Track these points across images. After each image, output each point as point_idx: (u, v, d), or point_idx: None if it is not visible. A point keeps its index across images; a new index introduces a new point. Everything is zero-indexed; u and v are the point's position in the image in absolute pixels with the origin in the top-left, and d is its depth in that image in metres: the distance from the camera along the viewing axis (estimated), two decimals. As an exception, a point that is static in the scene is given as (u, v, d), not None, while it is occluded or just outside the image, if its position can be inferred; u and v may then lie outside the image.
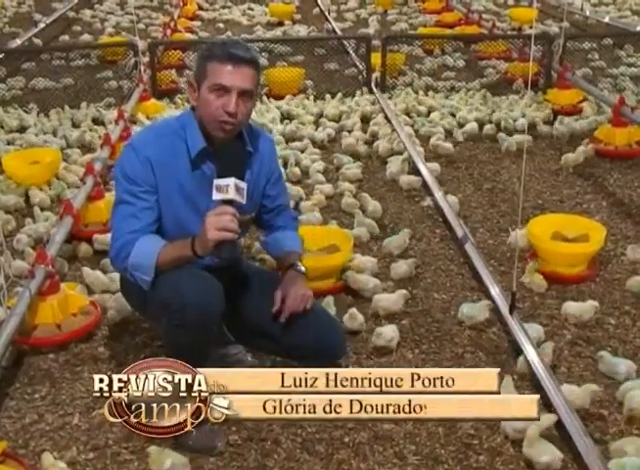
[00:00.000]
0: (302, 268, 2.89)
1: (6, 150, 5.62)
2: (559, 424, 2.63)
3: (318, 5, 11.40)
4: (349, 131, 5.83)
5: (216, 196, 2.43)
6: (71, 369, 3.17)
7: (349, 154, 5.44)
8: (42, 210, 4.64)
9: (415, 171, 5.03)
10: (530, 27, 9.24)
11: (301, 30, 9.54)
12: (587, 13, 10.27)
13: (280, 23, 10.08)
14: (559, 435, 2.65)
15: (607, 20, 9.89)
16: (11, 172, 5.10)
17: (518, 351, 3.11)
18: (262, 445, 2.71)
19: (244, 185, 2.46)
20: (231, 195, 2.42)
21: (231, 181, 2.42)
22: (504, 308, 3.33)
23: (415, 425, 2.78)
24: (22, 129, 6.16)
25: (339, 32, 9.32)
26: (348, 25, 10.07)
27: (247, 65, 2.56)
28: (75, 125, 6.18)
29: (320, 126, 5.93)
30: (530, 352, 3.00)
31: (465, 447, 2.68)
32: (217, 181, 2.44)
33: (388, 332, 3.21)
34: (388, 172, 5.07)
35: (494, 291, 3.53)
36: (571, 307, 3.48)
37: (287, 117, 6.20)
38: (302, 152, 5.44)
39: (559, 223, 4.07)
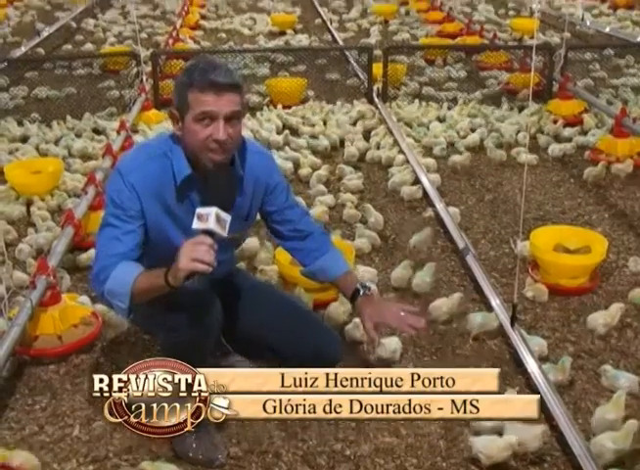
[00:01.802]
0: (371, 287, 2.79)
1: (8, 159, 5.62)
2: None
3: (320, 15, 11.44)
4: (351, 141, 5.83)
5: (196, 224, 2.32)
6: (72, 381, 3.16)
7: (351, 164, 5.44)
8: (44, 220, 4.64)
9: (416, 182, 5.04)
10: (531, 38, 9.26)
11: (303, 40, 9.55)
12: (588, 23, 10.30)
13: (282, 33, 10.09)
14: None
15: (607, 30, 9.92)
16: (13, 182, 5.10)
17: (519, 363, 3.11)
18: (263, 457, 2.70)
19: (226, 217, 2.34)
20: (211, 225, 2.30)
21: (212, 211, 2.31)
22: (506, 321, 3.33)
23: (416, 438, 2.77)
24: (25, 139, 6.15)
25: (340, 42, 9.34)
26: (350, 36, 10.08)
27: (230, 90, 2.45)
28: (78, 135, 6.18)
29: (321, 136, 5.93)
30: (532, 366, 3.00)
31: (467, 461, 2.67)
32: (199, 210, 2.34)
33: (392, 343, 3.20)
34: (389, 183, 5.07)
35: (495, 303, 3.53)
36: (597, 316, 3.49)
37: (288, 126, 6.20)
38: (303, 161, 5.44)
39: (561, 235, 4.07)
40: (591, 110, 6.45)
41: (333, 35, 9.86)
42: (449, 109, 6.60)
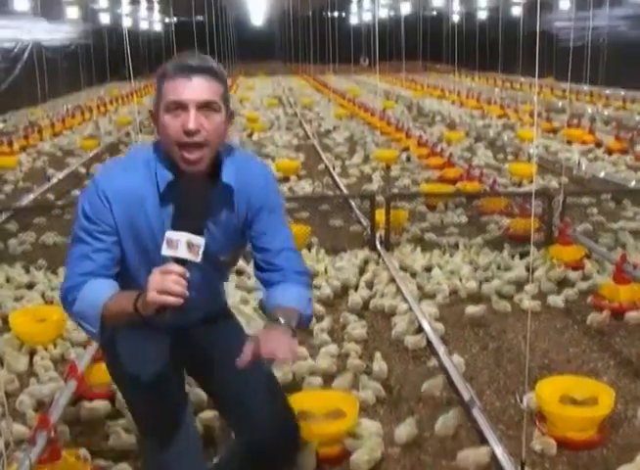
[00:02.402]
0: (290, 323, 2.28)
1: (13, 307, 5.66)
2: None
3: (323, 160, 11.77)
4: (355, 289, 5.88)
5: (165, 251, 2.12)
6: None
7: (355, 312, 5.47)
8: (46, 370, 4.63)
9: (420, 331, 5.04)
10: (530, 182, 9.49)
11: (306, 186, 9.76)
12: (584, 168, 10.57)
13: (286, 179, 10.32)
14: None
15: (602, 175, 10.18)
16: (17, 330, 5.11)
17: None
18: None
19: (199, 241, 2.13)
20: (181, 253, 2.11)
21: (182, 237, 2.12)
22: (514, 477, 3.26)
23: None
24: (31, 286, 6.21)
25: (343, 188, 9.56)
26: (352, 181, 10.31)
27: (201, 73, 2.23)
28: (83, 282, 6.23)
29: (324, 284, 5.97)
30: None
31: None
32: (169, 234, 2.13)
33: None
34: (393, 332, 5.07)
35: (503, 458, 3.46)
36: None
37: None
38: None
39: (567, 386, 4.03)
40: (592, 255, 6.52)
41: (335, 181, 10.11)
42: (451, 255, 6.68)
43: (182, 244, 2.11)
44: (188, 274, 2.10)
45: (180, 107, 2.21)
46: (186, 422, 2.64)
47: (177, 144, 2.23)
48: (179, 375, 2.70)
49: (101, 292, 2.26)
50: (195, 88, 2.21)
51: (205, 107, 2.23)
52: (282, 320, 2.27)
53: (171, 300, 2.07)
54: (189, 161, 2.25)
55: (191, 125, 2.20)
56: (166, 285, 2.06)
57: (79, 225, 2.35)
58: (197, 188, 2.28)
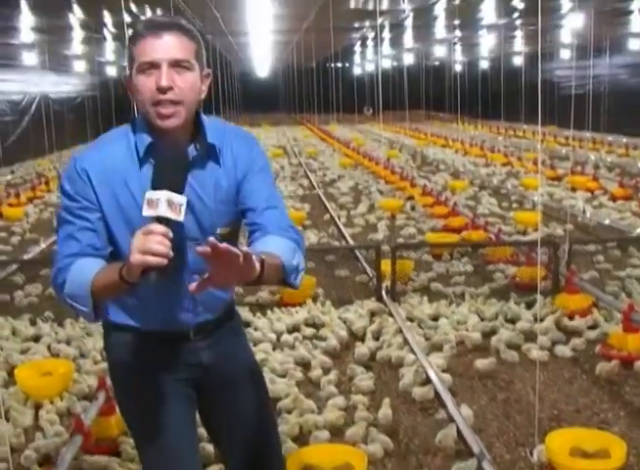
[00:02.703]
0: (262, 258, 2.08)
1: (19, 360, 5.65)
2: None
3: (328, 210, 11.82)
4: (361, 340, 5.86)
5: (146, 212, 2.06)
6: None
7: (362, 364, 5.44)
8: (52, 424, 4.60)
9: (427, 382, 5.00)
10: (535, 230, 9.51)
11: (312, 237, 9.78)
12: (588, 215, 10.60)
13: (291, 229, 10.30)
14: None
15: (607, 222, 10.20)
16: (23, 385, 5.08)
17: None
18: None
19: (180, 199, 2.07)
20: (161, 211, 2.04)
21: (162, 195, 2.05)
22: None
23: None
24: (37, 338, 6.20)
25: (348, 238, 9.59)
26: (358, 231, 10.32)
27: (170, 30, 2.19)
28: (89, 334, 6.22)
29: (330, 335, 5.95)
30: None
31: None
32: (148, 194, 2.07)
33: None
34: (400, 384, 5.03)
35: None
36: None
37: (297, 326, 6.24)
38: (313, 362, 5.44)
39: (577, 438, 3.98)
40: (599, 303, 6.49)
41: (341, 231, 10.14)
42: (458, 305, 6.67)
43: (162, 202, 2.04)
44: (171, 234, 2.03)
45: (152, 66, 2.18)
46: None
47: (152, 102, 2.20)
48: (190, 419, 2.57)
49: (88, 270, 2.19)
50: (166, 46, 2.18)
51: (177, 65, 2.20)
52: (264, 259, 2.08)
53: (154, 260, 1.99)
54: (163, 115, 2.20)
55: (163, 82, 2.16)
56: (148, 245, 1.98)
57: (63, 205, 2.30)
58: (176, 146, 2.22)
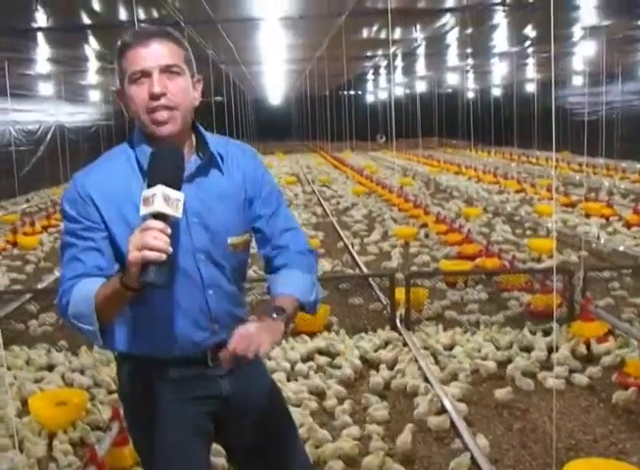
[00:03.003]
0: (281, 314, 2.21)
1: (33, 389, 5.64)
2: None
3: (342, 238, 11.82)
4: (376, 369, 5.83)
5: (143, 210, 2.00)
6: None
7: (376, 393, 5.41)
8: (65, 454, 4.59)
9: (443, 411, 4.96)
10: (549, 257, 9.47)
11: (326, 265, 9.77)
12: (602, 241, 10.55)
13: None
14: None
15: (622, 248, 10.15)
16: (37, 415, 5.07)
17: None
18: None
19: (177, 195, 2.02)
20: (157, 206, 1.98)
21: (157, 190, 1.99)
22: None
23: None
24: (51, 367, 6.21)
25: (362, 266, 9.57)
26: (371, 259, 10.30)
27: (158, 38, 2.21)
28: (104, 364, 6.22)
29: (344, 364, 5.92)
30: None
31: None
32: (144, 192, 2.02)
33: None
34: (415, 413, 4.99)
35: None
36: None
37: (311, 355, 6.22)
38: (328, 392, 5.41)
39: (595, 468, 3.91)
40: (615, 331, 6.44)
41: (355, 259, 10.13)
42: (472, 333, 6.63)
43: (158, 197, 1.99)
44: (169, 230, 2.00)
45: (144, 75, 2.18)
46: None
47: (146, 111, 2.19)
48: (206, 457, 2.51)
49: (90, 287, 2.15)
50: (155, 53, 2.19)
51: (167, 71, 2.20)
52: (275, 315, 2.18)
53: (152, 255, 1.95)
54: (158, 121, 2.19)
55: (155, 89, 2.16)
56: (145, 240, 1.95)
57: (65, 229, 2.26)
58: (172, 144, 2.19)
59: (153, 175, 2.07)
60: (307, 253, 2.46)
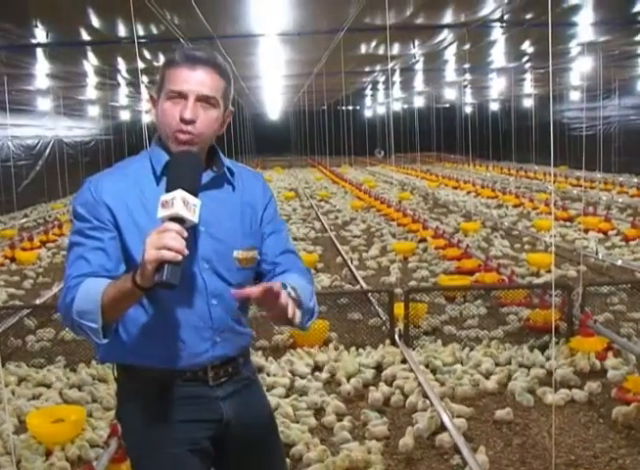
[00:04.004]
0: (296, 290, 2.26)
1: (31, 405, 5.62)
2: None
3: (340, 253, 11.82)
4: (375, 385, 5.81)
5: (161, 213, 2.04)
6: None
7: (375, 409, 5.39)
8: (64, 471, 4.58)
9: (442, 427, 4.95)
10: (548, 272, 9.47)
11: (325, 279, 9.76)
12: (601, 256, 10.55)
13: (304, 272, 10.28)
14: None
15: (620, 263, 10.15)
16: (34, 432, 5.05)
17: None
18: None
19: (195, 201, 2.07)
20: (177, 209, 2.03)
21: (177, 194, 2.04)
22: None
23: None
24: (49, 384, 6.17)
25: (361, 281, 9.56)
26: (370, 274, 10.30)
27: (204, 65, 2.25)
28: (101, 380, 6.19)
29: (343, 379, 5.91)
30: None
31: None
32: (163, 196, 2.07)
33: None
34: (414, 429, 4.97)
35: None
36: None
37: (309, 373, 6.18)
38: (327, 409, 5.39)
39: (595, 485, 3.93)
40: (614, 346, 6.43)
41: (354, 274, 10.12)
42: (471, 349, 6.62)
43: (177, 200, 2.04)
44: (186, 234, 2.03)
45: (180, 96, 2.24)
46: None
47: (173, 130, 2.25)
48: (203, 466, 2.43)
49: (98, 285, 2.15)
50: (197, 80, 2.24)
51: (204, 100, 2.25)
52: (295, 291, 2.24)
53: (169, 254, 1.98)
54: (179, 140, 2.25)
55: (187, 115, 2.22)
56: (163, 241, 1.99)
57: (73, 230, 2.28)
58: (190, 151, 2.25)
59: (172, 180, 2.13)
60: (306, 271, 2.51)
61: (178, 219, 2.03)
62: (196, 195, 2.10)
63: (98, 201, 2.24)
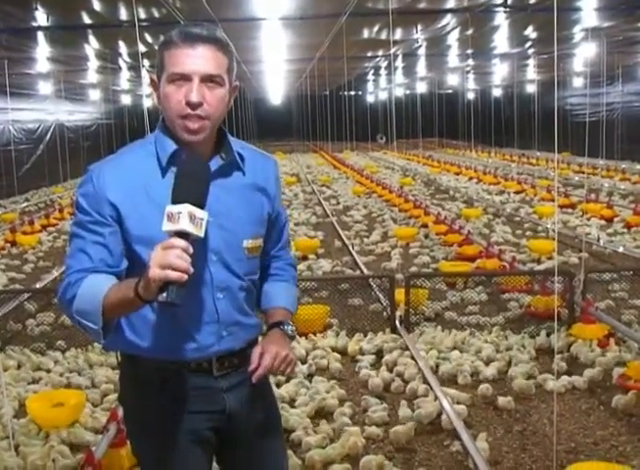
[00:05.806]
0: (290, 329, 2.39)
1: (30, 389, 5.61)
2: None
3: (342, 239, 11.80)
4: (376, 371, 5.80)
5: (166, 226, 1.97)
6: None
7: (375, 395, 5.38)
8: (64, 456, 4.56)
9: (442, 413, 4.93)
10: (549, 258, 9.44)
11: (325, 265, 9.74)
12: (602, 243, 10.52)
13: (304, 258, 10.31)
14: None
15: (621, 250, 10.13)
16: (34, 415, 5.04)
17: None
18: None
19: (202, 214, 1.99)
20: (183, 225, 1.95)
21: (184, 209, 1.96)
22: None
23: None
24: (48, 368, 6.16)
25: (362, 266, 9.55)
26: (371, 259, 10.28)
27: (207, 43, 2.13)
28: (101, 365, 6.18)
29: (344, 365, 5.90)
30: None
31: None
32: (169, 208, 1.98)
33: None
34: (414, 415, 4.95)
35: None
36: None
37: (311, 357, 6.18)
38: (328, 392, 5.38)
39: (596, 472, 3.93)
40: (615, 333, 6.42)
41: (355, 259, 10.10)
42: (472, 335, 6.60)
43: (184, 216, 1.96)
44: (192, 250, 1.97)
45: (183, 78, 2.13)
46: None
47: (179, 115, 2.15)
48: (205, 454, 2.41)
49: (100, 286, 2.10)
50: (199, 59, 2.13)
51: (209, 80, 2.15)
52: (291, 328, 2.40)
53: (174, 275, 1.92)
54: (190, 129, 2.15)
55: (194, 98, 2.12)
56: (169, 259, 1.92)
57: (75, 221, 2.22)
58: (198, 159, 2.14)
59: (179, 193, 2.02)
60: (293, 265, 2.61)
61: (184, 234, 1.97)
62: (203, 206, 2.02)
63: (100, 195, 2.17)
